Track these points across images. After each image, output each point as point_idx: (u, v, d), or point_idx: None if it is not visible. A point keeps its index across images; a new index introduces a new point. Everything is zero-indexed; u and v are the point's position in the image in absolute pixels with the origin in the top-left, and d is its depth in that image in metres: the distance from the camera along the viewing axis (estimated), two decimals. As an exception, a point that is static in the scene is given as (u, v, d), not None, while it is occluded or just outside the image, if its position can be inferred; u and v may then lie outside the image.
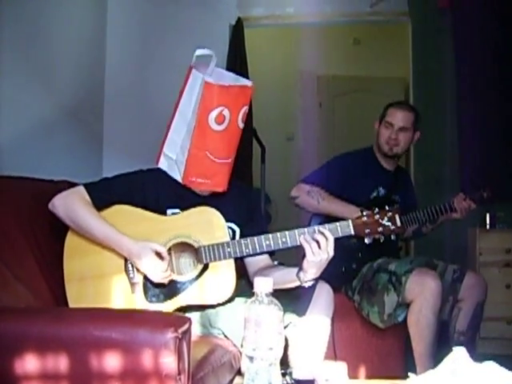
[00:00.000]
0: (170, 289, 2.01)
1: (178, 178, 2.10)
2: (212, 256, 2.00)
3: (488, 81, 3.90)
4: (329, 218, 2.52)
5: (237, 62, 4.15)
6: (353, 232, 2.00)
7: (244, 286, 2.10)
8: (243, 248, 1.99)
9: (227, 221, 2.08)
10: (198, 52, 2.06)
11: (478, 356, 1.49)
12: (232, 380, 1.86)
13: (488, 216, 3.89)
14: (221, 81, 2.00)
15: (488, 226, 3.90)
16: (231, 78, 2.08)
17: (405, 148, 2.88)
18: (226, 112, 1.98)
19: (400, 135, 2.81)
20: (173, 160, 2.11)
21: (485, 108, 3.89)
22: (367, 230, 2.01)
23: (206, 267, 2.02)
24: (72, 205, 2.02)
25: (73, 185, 2.24)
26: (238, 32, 4.22)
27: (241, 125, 2.05)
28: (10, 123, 2.92)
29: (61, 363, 1.49)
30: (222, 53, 4.12)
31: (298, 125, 5.65)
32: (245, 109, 2.04)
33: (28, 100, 3.08)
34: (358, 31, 5.72)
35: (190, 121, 2.04)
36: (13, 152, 2.90)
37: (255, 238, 1.99)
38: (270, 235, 1.99)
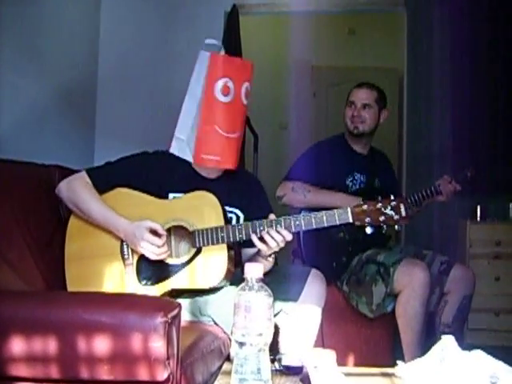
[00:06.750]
0: (162, 272, 2.02)
1: (190, 158, 2.11)
2: (205, 240, 1.99)
3: (481, 70, 3.92)
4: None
5: (231, 50, 4.12)
6: (351, 220, 1.92)
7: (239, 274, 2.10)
8: (236, 233, 1.98)
9: (231, 206, 2.10)
10: (208, 41, 2.17)
11: (466, 346, 1.50)
12: (221, 366, 1.86)
13: (479, 208, 3.91)
14: None
15: (478, 218, 3.93)
16: None
17: (371, 125, 2.88)
18: (231, 84, 2.05)
19: (363, 112, 2.84)
20: (184, 141, 2.11)
21: (478, 98, 3.91)
22: (367, 219, 1.91)
23: (199, 251, 2.02)
24: (74, 189, 2.09)
25: (64, 169, 2.28)
26: (232, 19, 4.17)
27: (244, 101, 2.10)
28: (2, 109, 2.90)
29: (50, 346, 1.49)
30: (217, 40, 4.09)
31: (292, 114, 5.63)
32: (246, 85, 2.09)
33: (21, 86, 3.07)
34: (353, 21, 5.69)
35: (200, 98, 2.08)
36: (5, 138, 2.89)
37: (249, 223, 1.98)
38: (265, 221, 1.97)
